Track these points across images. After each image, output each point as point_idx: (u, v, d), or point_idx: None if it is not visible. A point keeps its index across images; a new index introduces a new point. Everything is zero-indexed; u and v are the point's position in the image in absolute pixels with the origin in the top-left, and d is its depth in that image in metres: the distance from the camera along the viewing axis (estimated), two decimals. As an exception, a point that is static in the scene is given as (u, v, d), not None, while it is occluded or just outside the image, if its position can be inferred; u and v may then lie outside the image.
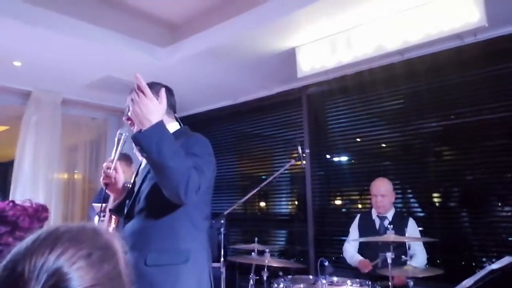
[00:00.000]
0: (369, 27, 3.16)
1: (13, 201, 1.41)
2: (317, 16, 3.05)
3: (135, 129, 1.76)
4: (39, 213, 1.41)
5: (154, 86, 1.73)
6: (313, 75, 3.60)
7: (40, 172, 4.51)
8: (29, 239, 0.66)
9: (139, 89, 1.52)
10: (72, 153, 5.64)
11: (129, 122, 1.81)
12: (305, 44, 3.50)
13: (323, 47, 3.41)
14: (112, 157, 1.82)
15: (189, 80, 4.30)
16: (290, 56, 3.62)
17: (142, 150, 1.51)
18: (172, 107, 1.88)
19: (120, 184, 1.87)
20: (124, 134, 1.82)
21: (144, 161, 1.82)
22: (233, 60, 3.81)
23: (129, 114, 1.80)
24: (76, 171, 5.66)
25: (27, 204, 1.42)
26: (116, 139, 1.83)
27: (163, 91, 1.62)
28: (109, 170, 1.81)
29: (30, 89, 4.51)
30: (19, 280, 0.60)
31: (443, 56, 3.40)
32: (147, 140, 1.48)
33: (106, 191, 1.86)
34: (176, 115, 1.92)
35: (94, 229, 0.71)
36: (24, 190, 4.38)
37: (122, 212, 1.85)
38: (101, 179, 1.84)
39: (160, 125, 1.52)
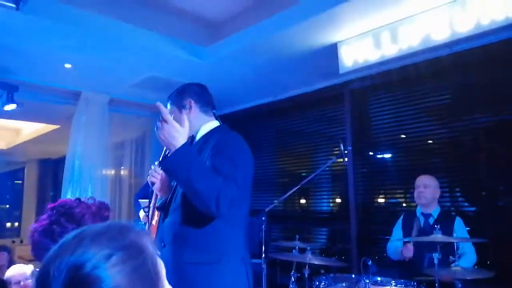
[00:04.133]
0: (415, 18, 3.04)
1: (79, 199, 1.41)
2: (360, 10, 2.98)
3: None
4: (101, 212, 1.40)
5: (184, 96, 1.83)
6: (355, 70, 3.52)
7: (89, 168, 4.71)
8: (59, 243, 0.69)
9: (162, 117, 1.60)
10: (118, 150, 5.86)
11: None
12: (347, 39, 3.43)
13: (366, 41, 3.32)
14: (160, 159, 1.86)
15: (231, 77, 4.33)
16: (332, 51, 3.55)
17: (170, 176, 1.59)
18: (208, 104, 1.88)
19: (166, 184, 1.92)
20: None
21: None
22: (274, 56, 3.80)
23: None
24: (122, 167, 5.88)
25: (91, 202, 1.41)
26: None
27: (185, 117, 1.70)
28: (155, 173, 1.88)
29: (80, 90, 4.72)
30: (46, 282, 0.65)
31: (496, 48, 3.19)
32: (172, 166, 1.55)
33: (153, 189, 1.92)
34: (214, 111, 1.92)
35: (120, 228, 0.71)
36: (75, 186, 4.59)
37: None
38: (148, 178, 1.90)
39: (184, 149, 1.56)
